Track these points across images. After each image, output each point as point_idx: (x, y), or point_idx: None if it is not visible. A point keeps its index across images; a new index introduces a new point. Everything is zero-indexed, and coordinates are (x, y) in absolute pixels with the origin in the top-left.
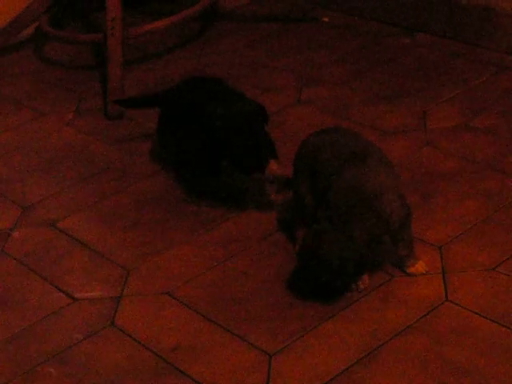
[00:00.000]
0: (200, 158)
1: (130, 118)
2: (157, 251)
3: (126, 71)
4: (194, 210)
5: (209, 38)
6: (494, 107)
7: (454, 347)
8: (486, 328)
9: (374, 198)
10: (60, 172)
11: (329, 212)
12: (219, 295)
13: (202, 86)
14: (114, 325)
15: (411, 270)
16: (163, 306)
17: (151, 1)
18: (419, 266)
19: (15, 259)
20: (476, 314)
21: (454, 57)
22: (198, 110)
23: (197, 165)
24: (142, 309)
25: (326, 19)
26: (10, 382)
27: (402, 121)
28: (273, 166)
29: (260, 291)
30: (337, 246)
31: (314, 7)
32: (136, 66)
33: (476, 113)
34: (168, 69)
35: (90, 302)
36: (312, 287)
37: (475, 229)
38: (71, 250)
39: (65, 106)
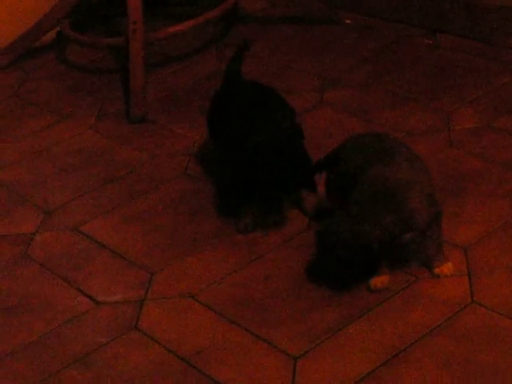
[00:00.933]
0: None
1: (153, 121)
2: (180, 254)
3: (148, 75)
4: (217, 215)
5: (230, 41)
6: None
7: (480, 349)
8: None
9: (397, 194)
10: (83, 176)
11: (350, 207)
12: (243, 298)
13: (250, 91)
14: (137, 328)
15: (437, 270)
16: (187, 309)
17: (172, 4)
18: (445, 268)
19: (38, 263)
20: (502, 315)
21: (477, 57)
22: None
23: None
24: (166, 312)
25: (348, 21)
26: None
27: (426, 122)
28: (311, 201)
29: (283, 294)
30: (350, 225)
31: (335, 9)
32: (158, 70)
33: (500, 113)
34: (190, 72)
35: (114, 306)
36: (330, 263)
37: (501, 230)
38: (94, 254)
39: (87, 109)
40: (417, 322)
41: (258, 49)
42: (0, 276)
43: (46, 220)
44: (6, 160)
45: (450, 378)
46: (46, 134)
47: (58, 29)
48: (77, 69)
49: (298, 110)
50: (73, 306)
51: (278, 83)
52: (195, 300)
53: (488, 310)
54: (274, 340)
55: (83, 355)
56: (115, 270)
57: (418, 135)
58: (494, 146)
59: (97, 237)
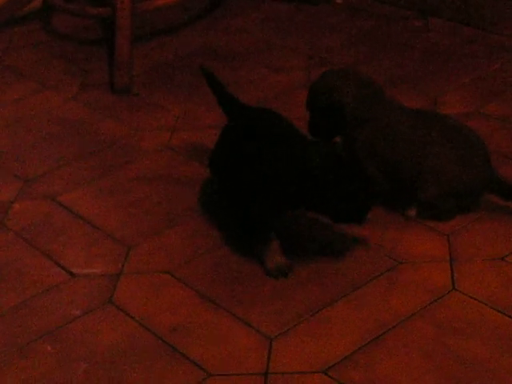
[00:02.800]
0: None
1: (137, 93)
2: (159, 229)
3: (135, 47)
4: (197, 190)
5: (218, 15)
6: (508, 94)
7: (459, 337)
8: (493, 318)
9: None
10: (63, 146)
11: None
12: (221, 276)
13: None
14: (112, 302)
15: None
16: (163, 285)
17: None
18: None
19: (14, 232)
20: (483, 303)
21: (468, 42)
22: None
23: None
24: (142, 287)
25: (339, 1)
26: (4, 357)
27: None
28: None
29: (263, 273)
30: None
31: None
32: (144, 42)
33: (489, 99)
34: (177, 45)
35: (89, 279)
36: None
37: (485, 217)
38: (71, 225)
39: (71, 79)
40: (397, 308)
41: (247, 24)
42: None
43: (25, 189)
44: None
45: (428, 364)
46: (28, 102)
47: None
48: (62, 38)
49: (284, 88)
50: (47, 277)
51: (266, 60)
52: (172, 276)
53: (469, 297)
54: (250, 319)
55: (55, 328)
56: (92, 243)
57: None
58: (482, 132)
59: (75, 208)
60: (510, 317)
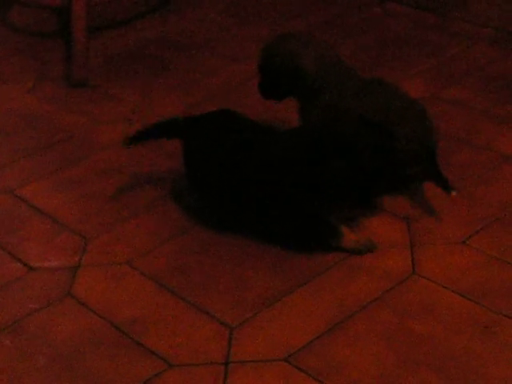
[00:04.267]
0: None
1: (94, 85)
2: (118, 221)
3: (92, 38)
4: (156, 181)
5: (177, 5)
6: (467, 79)
7: (421, 321)
8: (453, 302)
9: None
10: (20, 140)
11: None
12: (180, 266)
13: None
14: (71, 295)
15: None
16: (122, 276)
17: None
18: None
19: None
20: (443, 287)
21: (426, 28)
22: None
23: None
24: (101, 279)
25: None
26: None
27: None
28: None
29: (223, 262)
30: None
31: None
32: (102, 34)
33: (446, 85)
34: (135, 36)
35: (47, 272)
36: None
37: (445, 202)
38: (29, 218)
39: (27, 72)
40: (357, 294)
41: (206, 13)
42: None
43: None
44: None
45: (389, 350)
46: None
47: None
48: (19, 31)
49: (242, 77)
50: (4, 271)
51: (224, 49)
52: (131, 267)
53: (429, 281)
54: (210, 309)
55: (14, 322)
56: (49, 236)
57: None
58: (440, 117)
59: (32, 201)
60: (470, 300)
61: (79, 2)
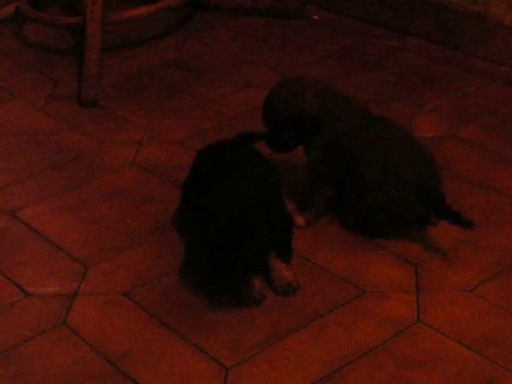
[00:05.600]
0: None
1: (104, 106)
2: (119, 248)
3: (105, 58)
4: (161, 208)
5: (192, 28)
6: (482, 119)
7: (422, 372)
8: (458, 353)
9: None
10: (25, 158)
11: None
12: (178, 300)
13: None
14: (65, 324)
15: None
16: (119, 307)
17: None
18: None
19: None
20: (448, 337)
21: (443, 63)
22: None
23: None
24: (97, 309)
25: (315, 17)
26: None
27: None
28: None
29: (221, 299)
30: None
31: (304, 3)
32: (115, 53)
33: (463, 124)
34: (148, 57)
35: (43, 298)
36: None
37: (453, 248)
38: (28, 242)
39: (38, 89)
40: (359, 339)
41: (221, 38)
42: None
43: None
44: None
45: None
46: None
47: (16, 4)
48: (33, 47)
49: (254, 104)
50: (0, 295)
51: (237, 75)
52: (128, 298)
53: (434, 330)
54: (206, 347)
55: (5, 349)
56: (48, 261)
57: None
58: (454, 157)
59: (33, 224)
60: (475, 352)
61: (94, 21)
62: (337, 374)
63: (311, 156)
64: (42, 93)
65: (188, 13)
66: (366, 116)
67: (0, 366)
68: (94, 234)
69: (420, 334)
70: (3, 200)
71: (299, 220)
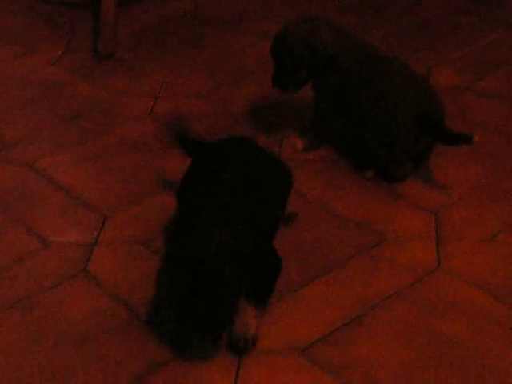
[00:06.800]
0: None
1: (121, 58)
2: (137, 198)
3: (122, 10)
4: (179, 159)
5: None
6: (503, 70)
7: (443, 319)
8: (477, 300)
9: None
10: (42, 111)
11: None
12: None
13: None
14: (86, 272)
15: None
16: (138, 256)
17: None
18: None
19: None
20: (470, 285)
21: (463, 14)
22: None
23: None
24: (116, 258)
25: None
26: None
27: None
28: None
29: None
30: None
31: None
32: (132, 6)
33: (482, 73)
34: (165, 10)
35: (63, 248)
36: None
37: (474, 195)
38: (47, 192)
39: (54, 43)
40: (379, 286)
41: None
42: None
43: (1, 154)
44: None
45: (408, 345)
46: (9, 65)
47: None
48: (49, 1)
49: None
50: (21, 246)
51: (253, 27)
52: (147, 248)
53: (454, 277)
54: None
55: (27, 297)
56: (68, 211)
57: None
58: (473, 107)
59: (52, 175)
60: (494, 298)
61: None
62: (357, 320)
63: (318, 90)
64: (58, 46)
65: None
66: (374, 55)
67: (23, 313)
68: (112, 185)
69: (441, 282)
70: (21, 152)
71: (298, 143)
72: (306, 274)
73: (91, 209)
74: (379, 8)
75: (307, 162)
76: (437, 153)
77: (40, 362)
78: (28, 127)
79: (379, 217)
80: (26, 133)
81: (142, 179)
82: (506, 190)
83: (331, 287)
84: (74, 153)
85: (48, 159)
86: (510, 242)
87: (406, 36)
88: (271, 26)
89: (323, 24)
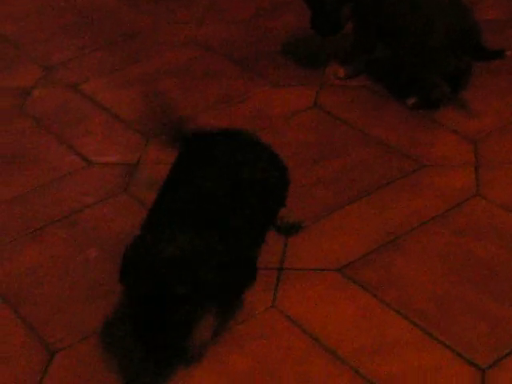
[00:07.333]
0: None
1: None
2: (180, 121)
3: None
4: (223, 84)
5: None
6: None
7: (480, 243)
8: None
9: None
10: (86, 35)
11: None
12: None
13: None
14: (127, 192)
15: None
16: None
17: None
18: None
19: (33, 118)
20: (505, 210)
21: None
22: None
23: None
24: (158, 177)
25: None
26: (17, 239)
27: None
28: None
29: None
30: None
31: None
32: None
33: None
34: None
35: (106, 167)
36: None
37: None
38: (91, 113)
39: None
40: (417, 210)
41: None
42: None
43: (46, 76)
44: (13, 13)
45: (447, 269)
46: None
47: None
48: None
49: None
50: (64, 164)
51: None
52: None
53: (492, 203)
54: None
55: (69, 214)
56: (111, 132)
57: None
58: None
59: (96, 96)
60: None
61: None
62: (394, 242)
63: (356, 15)
64: None
65: None
66: None
67: (64, 229)
68: (154, 107)
69: (478, 207)
70: (65, 74)
71: (340, 71)
72: (345, 198)
73: (134, 131)
74: None
75: (348, 89)
76: (476, 84)
77: (83, 273)
78: (72, 51)
79: (419, 144)
80: (70, 56)
81: (187, 103)
82: None
83: (369, 210)
84: (117, 76)
85: (92, 82)
86: None
87: None
88: None
89: None
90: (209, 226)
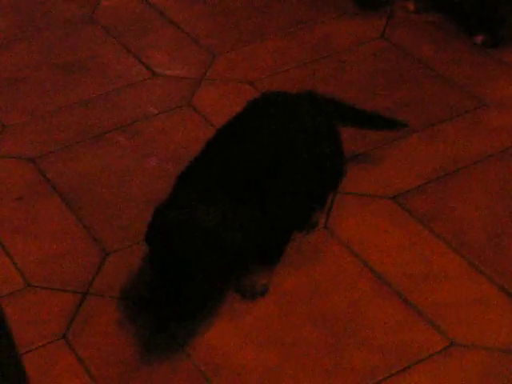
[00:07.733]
0: None
1: None
2: (246, 40)
3: None
4: (287, 8)
5: None
6: None
7: None
8: None
9: None
10: None
11: None
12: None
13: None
14: (190, 105)
15: None
16: (243, 94)
17: None
18: None
19: (102, 27)
20: None
21: None
22: None
23: None
24: (222, 95)
25: None
26: (78, 143)
27: None
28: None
29: None
30: None
31: None
32: None
33: None
34: None
35: (170, 80)
36: None
37: None
38: (159, 26)
39: None
40: (475, 147)
41: None
42: (63, 33)
43: None
44: None
45: (498, 207)
46: None
47: None
48: None
49: None
50: (129, 74)
51: None
52: (253, 87)
53: None
54: None
55: (131, 122)
56: (178, 45)
57: None
58: None
59: (165, 10)
60: None
61: None
62: (451, 176)
63: None
64: None
65: None
66: None
67: (124, 137)
68: (223, 25)
69: None
70: None
71: (410, 5)
72: (404, 129)
73: (200, 46)
74: None
75: (417, 24)
76: None
77: (140, 181)
78: None
79: (483, 82)
80: None
81: (253, 22)
82: None
83: (428, 143)
84: None
85: None
86: None
87: None
88: None
89: None
90: (248, 197)
